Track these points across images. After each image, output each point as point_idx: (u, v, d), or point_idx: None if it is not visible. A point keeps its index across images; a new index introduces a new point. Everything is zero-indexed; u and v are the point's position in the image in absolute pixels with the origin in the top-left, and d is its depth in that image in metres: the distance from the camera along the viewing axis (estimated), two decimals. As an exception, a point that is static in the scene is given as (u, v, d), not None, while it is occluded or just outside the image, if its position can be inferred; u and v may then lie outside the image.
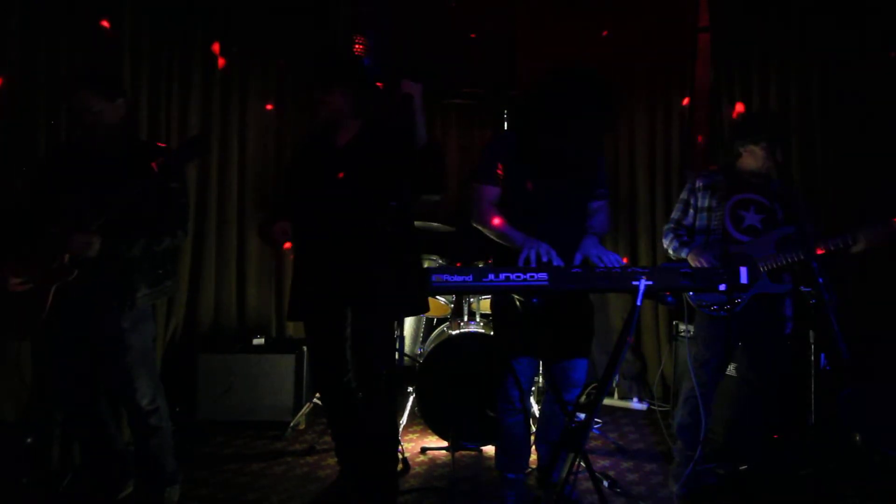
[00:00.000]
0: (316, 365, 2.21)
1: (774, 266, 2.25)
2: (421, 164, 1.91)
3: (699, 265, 2.24)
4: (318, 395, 3.15)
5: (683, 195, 2.48)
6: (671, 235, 2.43)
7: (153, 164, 1.79)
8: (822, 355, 2.18)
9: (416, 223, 3.27)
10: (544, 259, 1.83)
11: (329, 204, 2.05)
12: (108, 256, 1.88)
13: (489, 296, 3.09)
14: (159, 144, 2.26)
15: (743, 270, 1.63)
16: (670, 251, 2.43)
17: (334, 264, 2.02)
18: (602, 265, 1.88)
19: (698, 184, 2.42)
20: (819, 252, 2.18)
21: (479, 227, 2.12)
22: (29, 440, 2.25)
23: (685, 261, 2.34)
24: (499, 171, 2.09)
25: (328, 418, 2.33)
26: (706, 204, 2.39)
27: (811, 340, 2.50)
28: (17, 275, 1.85)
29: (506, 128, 4.26)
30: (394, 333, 2.17)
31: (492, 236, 2.09)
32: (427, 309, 2.19)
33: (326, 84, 2.01)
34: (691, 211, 2.44)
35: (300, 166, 2.20)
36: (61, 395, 2.07)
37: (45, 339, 1.98)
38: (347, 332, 2.11)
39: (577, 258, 1.98)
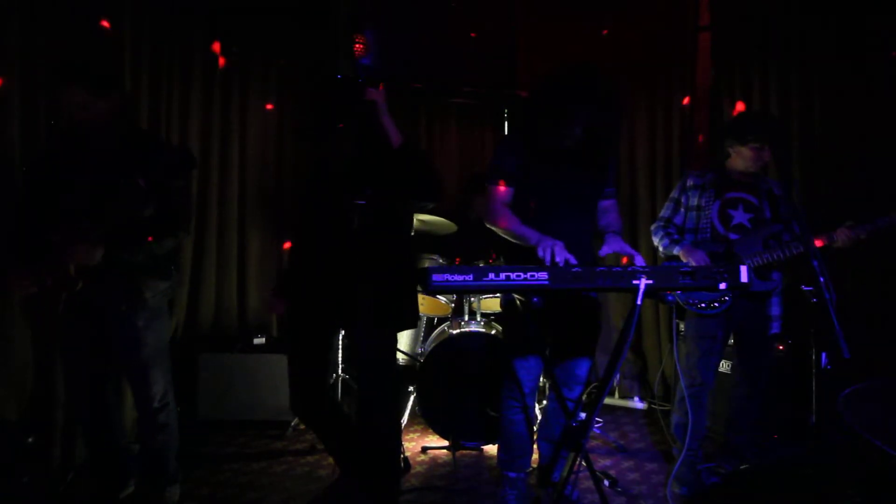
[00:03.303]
0: (295, 380, 2.06)
1: (761, 263, 2.27)
2: (396, 165, 1.92)
3: (692, 262, 2.25)
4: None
5: (674, 194, 2.50)
6: (661, 233, 2.44)
7: (139, 181, 1.75)
8: (823, 354, 2.18)
9: (417, 223, 3.29)
10: (558, 258, 1.84)
11: (327, 201, 2.05)
12: (113, 263, 1.88)
13: (489, 295, 3.10)
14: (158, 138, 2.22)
15: (743, 268, 1.63)
16: (660, 248, 2.44)
17: (327, 275, 1.99)
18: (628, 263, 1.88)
19: (689, 183, 2.44)
20: (845, 237, 2.17)
21: (492, 227, 2.13)
22: (30, 439, 2.25)
23: (677, 258, 2.35)
24: (510, 171, 2.10)
25: (316, 432, 2.25)
26: (696, 203, 2.40)
27: (812, 339, 2.50)
28: (25, 278, 1.85)
29: (506, 127, 4.27)
30: (395, 343, 2.15)
31: (505, 236, 2.09)
32: (415, 324, 2.16)
33: (325, 121, 2.01)
34: (682, 209, 2.45)
35: (309, 189, 2.19)
36: (73, 394, 2.08)
37: (59, 340, 2.01)
38: (332, 351, 2.06)
39: (605, 251, 1.98)
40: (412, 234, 3.25)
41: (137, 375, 2.04)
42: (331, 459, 2.66)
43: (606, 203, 2.22)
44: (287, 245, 3.52)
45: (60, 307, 1.88)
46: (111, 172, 1.87)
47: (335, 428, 2.14)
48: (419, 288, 2.80)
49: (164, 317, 2.08)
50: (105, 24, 2.60)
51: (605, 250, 1.98)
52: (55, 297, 1.88)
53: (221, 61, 3.30)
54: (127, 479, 2.21)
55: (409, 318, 2.07)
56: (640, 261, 1.89)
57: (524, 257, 1.98)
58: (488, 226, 2.14)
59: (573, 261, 1.84)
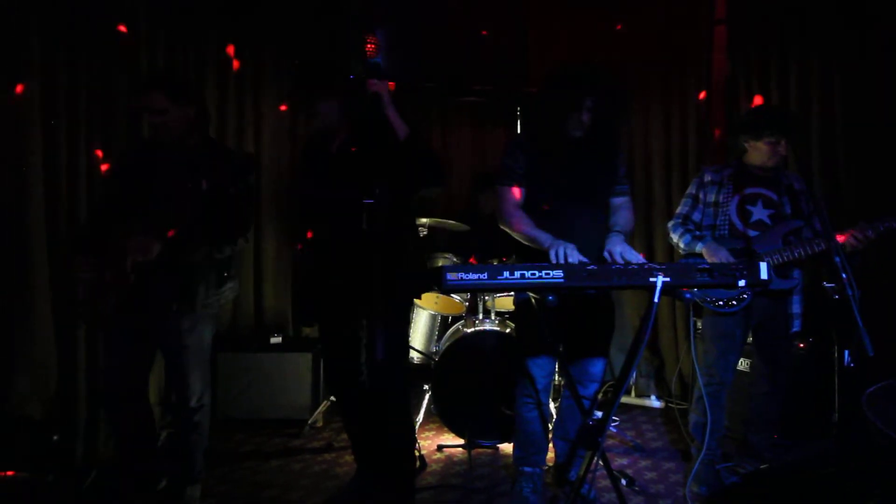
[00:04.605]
0: (330, 366, 2.24)
1: (781, 261, 2.22)
2: (404, 157, 1.93)
3: (717, 261, 2.22)
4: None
5: (691, 190, 2.45)
6: (681, 230, 2.40)
7: (202, 182, 1.84)
8: (846, 352, 2.14)
9: (431, 221, 3.30)
10: (571, 260, 1.83)
11: (327, 209, 2.07)
12: (169, 262, 1.93)
13: (504, 294, 3.10)
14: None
15: (763, 266, 1.61)
16: (681, 245, 2.39)
17: (341, 268, 2.04)
18: (620, 262, 1.87)
19: (706, 178, 2.40)
20: (863, 236, 2.13)
21: (506, 230, 2.12)
22: (55, 437, 2.30)
23: (699, 255, 2.31)
24: (519, 171, 2.10)
25: (343, 418, 2.36)
26: (713, 199, 2.36)
27: (834, 337, 2.46)
28: (88, 264, 1.94)
29: (519, 125, 4.25)
30: (407, 332, 2.20)
31: (518, 238, 2.09)
32: (418, 296, 2.25)
33: (309, 98, 2.05)
34: (700, 206, 2.41)
35: (301, 173, 2.24)
36: (114, 392, 2.10)
37: (107, 335, 2.06)
38: (361, 334, 2.13)
39: (605, 254, 1.97)
40: (420, 226, 3.28)
41: (177, 376, 2.08)
42: (347, 457, 2.69)
43: (619, 200, 2.20)
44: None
45: (109, 306, 1.94)
46: (178, 176, 1.94)
47: (360, 410, 2.19)
48: (434, 287, 2.81)
49: (208, 321, 2.11)
50: (122, 27, 2.64)
51: (604, 253, 1.97)
52: (106, 294, 1.94)
53: (235, 63, 3.33)
54: (161, 474, 2.25)
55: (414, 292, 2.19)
56: (637, 258, 1.88)
57: (535, 257, 1.98)
58: (502, 227, 2.14)
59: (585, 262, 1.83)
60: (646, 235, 3.70)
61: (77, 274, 1.96)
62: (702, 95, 3.46)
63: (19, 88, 2.26)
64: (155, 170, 2.03)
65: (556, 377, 3.17)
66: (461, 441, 2.82)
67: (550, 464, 2.42)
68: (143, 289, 1.94)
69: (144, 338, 2.06)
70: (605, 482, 2.35)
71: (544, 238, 1.97)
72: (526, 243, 2.05)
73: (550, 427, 2.41)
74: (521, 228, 2.04)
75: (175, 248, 1.93)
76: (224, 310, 3.33)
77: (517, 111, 4.23)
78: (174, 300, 1.99)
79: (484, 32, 3.73)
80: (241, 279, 3.36)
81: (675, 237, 2.42)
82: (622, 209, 2.19)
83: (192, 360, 2.06)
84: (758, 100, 3.19)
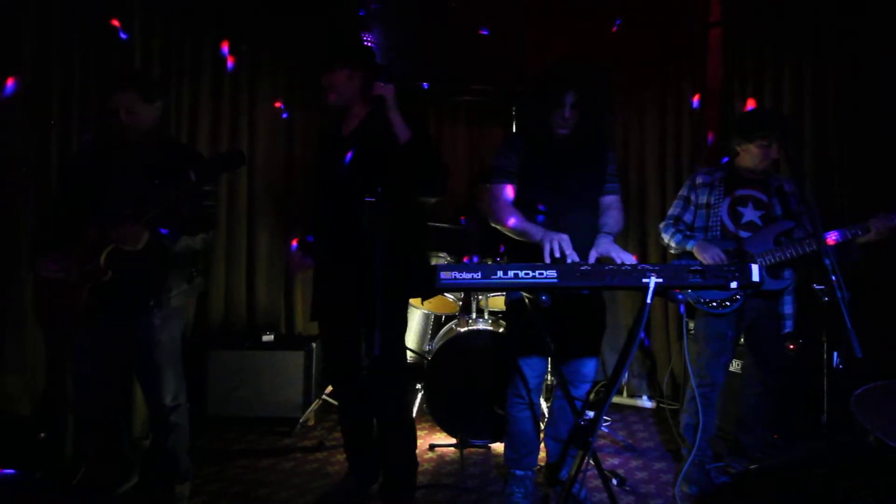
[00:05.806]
0: (330, 360, 2.23)
1: (773, 262, 2.24)
2: (403, 161, 1.92)
3: (706, 259, 2.23)
4: (326, 391, 3.17)
5: (683, 192, 2.47)
6: (672, 230, 2.41)
7: (190, 173, 1.81)
8: (835, 354, 2.15)
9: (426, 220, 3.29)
10: (567, 252, 1.83)
11: (337, 197, 2.05)
12: (146, 255, 1.91)
13: (497, 293, 3.10)
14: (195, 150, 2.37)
15: (755, 267, 1.61)
16: (672, 244, 2.41)
17: (345, 260, 2.03)
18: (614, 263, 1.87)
19: (698, 180, 2.42)
20: (829, 242, 2.16)
21: (497, 227, 2.12)
22: (43, 434, 2.28)
23: (690, 254, 2.33)
24: (512, 169, 2.10)
25: (340, 414, 2.34)
26: (705, 201, 2.38)
27: (823, 338, 2.48)
28: (55, 263, 1.91)
29: (515, 124, 4.26)
30: (404, 330, 2.18)
31: (510, 234, 2.09)
32: (430, 294, 2.22)
33: (329, 63, 2.02)
34: (692, 207, 2.42)
35: (316, 160, 2.21)
36: (79, 389, 2.08)
37: (79, 333, 2.03)
38: (361, 330, 2.12)
39: (592, 257, 1.97)
40: (423, 228, 3.25)
41: (151, 375, 2.05)
42: (339, 456, 2.68)
43: (609, 199, 2.20)
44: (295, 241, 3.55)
45: (83, 303, 1.91)
46: (150, 176, 1.92)
47: (358, 405, 2.19)
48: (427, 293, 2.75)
49: (178, 317, 2.10)
50: (115, 23, 2.62)
51: (592, 255, 1.97)
52: (78, 291, 1.91)
53: (230, 60, 3.31)
54: (131, 472, 2.22)
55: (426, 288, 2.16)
56: (627, 258, 1.89)
57: (527, 253, 1.97)
58: (493, 225, 2.14)
59: (576, 258, 1.83)
60: (639, 237, 3.72)
61: (42, 275, 1.92)
62: (696, 98, 3.48)
63: (10, 81, 2.24)
64: (125, 169, 1.99)
65: (549, 377, 3.18)
66: (453, 440, 2.82)
67: (542, 464, 2.43)
68: (115, 286, 1.91)
69: (117, 337, 2.02)
70: (597, 482, 2.36)
71: (535, 231, 1.97)
72: (518, 239, 2.06)
73: (542, 427, 2.41)
74: (512, 223, 2.05)
75: (157, 239, 1.91)
76: (216, 307, 3.32)
77: (513, 111, 4.23)
78: (149, 295, 1.97)
79: (481, 32, 3.73)
80: (235, 278, 3.39)
81: (665, 237, 2.43)
82: (611, 208, 2.18)
83: (166, 358, 2.04)
84: (751, 103, 3.21)
